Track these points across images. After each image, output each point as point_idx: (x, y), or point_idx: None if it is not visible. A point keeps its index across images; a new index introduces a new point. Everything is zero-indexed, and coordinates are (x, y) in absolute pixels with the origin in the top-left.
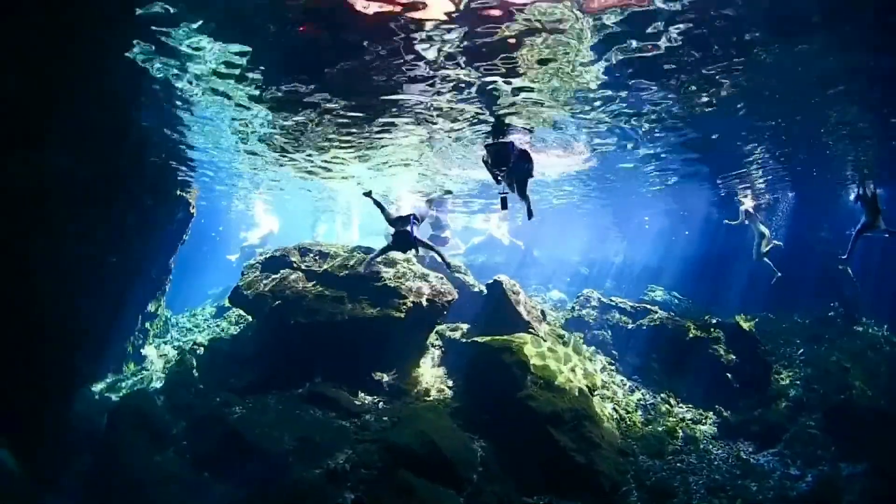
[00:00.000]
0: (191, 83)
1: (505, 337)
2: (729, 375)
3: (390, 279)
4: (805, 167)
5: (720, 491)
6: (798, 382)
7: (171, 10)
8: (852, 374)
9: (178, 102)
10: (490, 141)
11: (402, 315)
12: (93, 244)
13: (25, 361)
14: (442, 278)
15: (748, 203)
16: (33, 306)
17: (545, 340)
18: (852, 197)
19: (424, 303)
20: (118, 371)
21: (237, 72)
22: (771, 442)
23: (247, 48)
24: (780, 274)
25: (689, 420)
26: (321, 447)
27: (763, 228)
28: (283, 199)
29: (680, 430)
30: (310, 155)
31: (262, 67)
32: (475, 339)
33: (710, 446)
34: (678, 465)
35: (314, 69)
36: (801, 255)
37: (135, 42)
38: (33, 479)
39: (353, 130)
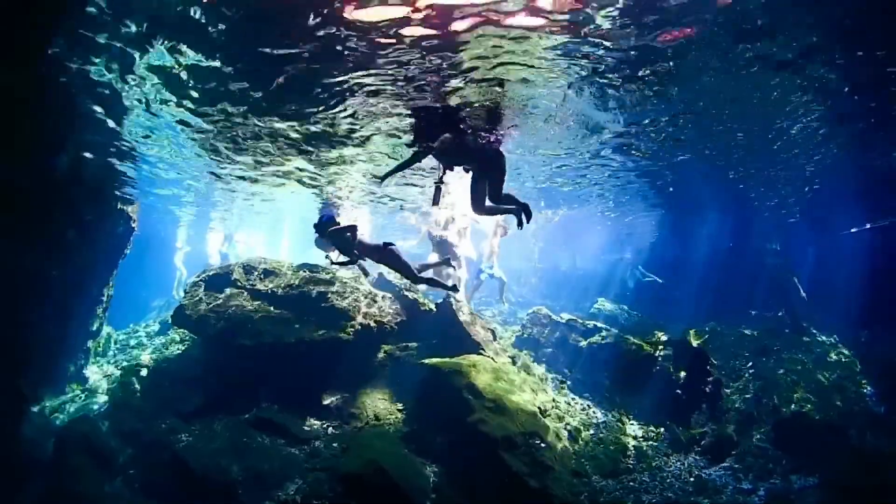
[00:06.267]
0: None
1: (455, 359)
2: (679, 391)
3: (338, 300)
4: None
5: None
6: (748, 396)
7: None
8: (800, 387)
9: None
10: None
11: (351, 337)
12: (33, 257)
13: None
14: (391, 298)
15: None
16: None
17: (495, 361)
18: None
19: (373, 324)
20: (62, 392)
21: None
22: (722, 456)
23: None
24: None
25: (641, 437)
26: (270, 477)
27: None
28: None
29: (632, 448)
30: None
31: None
32: (425, 361)
33: (663, 463)
34: (631, 484)
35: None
36: (752, 265)
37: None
38: None
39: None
